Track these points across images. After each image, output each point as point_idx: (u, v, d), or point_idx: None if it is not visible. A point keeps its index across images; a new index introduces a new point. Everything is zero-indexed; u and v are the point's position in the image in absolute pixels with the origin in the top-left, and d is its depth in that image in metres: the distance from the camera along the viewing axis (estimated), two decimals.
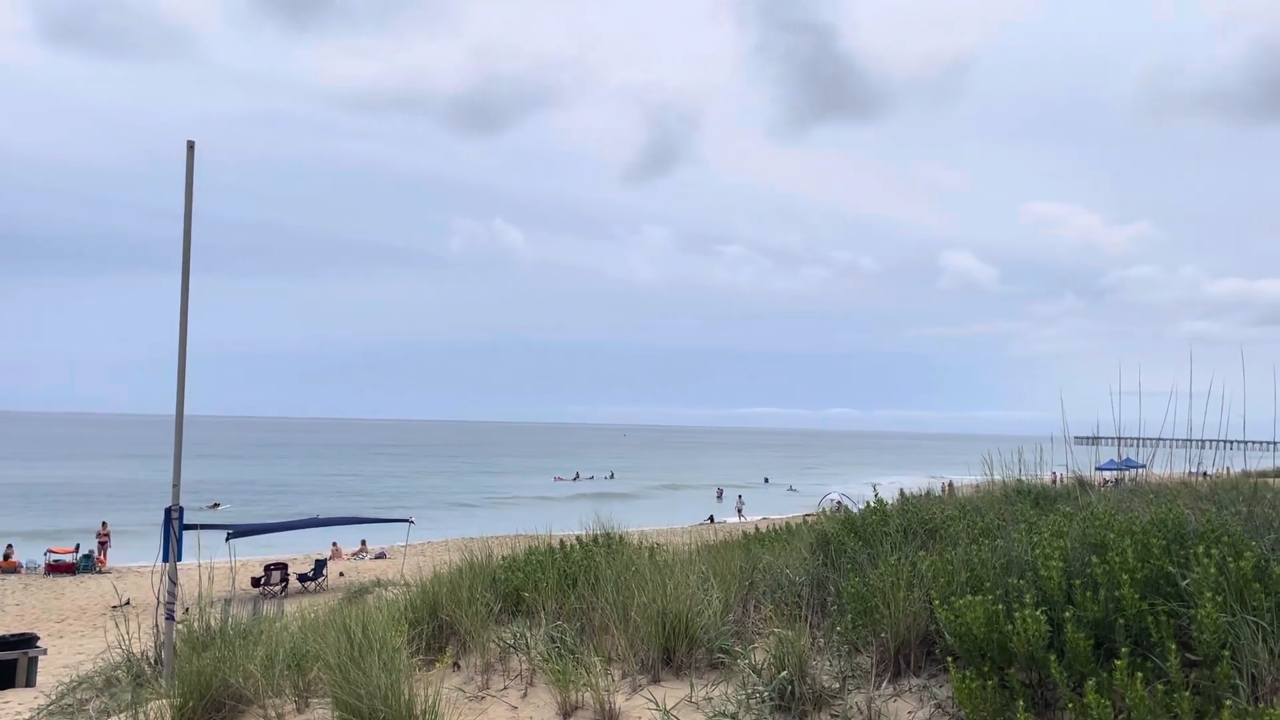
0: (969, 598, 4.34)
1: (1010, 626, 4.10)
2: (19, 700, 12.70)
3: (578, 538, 9.76)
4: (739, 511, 59.67)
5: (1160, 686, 3.61)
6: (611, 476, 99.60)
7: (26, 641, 17.09)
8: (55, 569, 35.64)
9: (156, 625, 8.23)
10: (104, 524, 40.17)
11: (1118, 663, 3.65)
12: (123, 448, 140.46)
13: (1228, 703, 3.44)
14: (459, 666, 6.55)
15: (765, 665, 5.11)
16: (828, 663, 5.19)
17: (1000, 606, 4.23)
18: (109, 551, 38.35)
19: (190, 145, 8.15)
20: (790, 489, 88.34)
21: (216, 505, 59.99)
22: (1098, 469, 12.95)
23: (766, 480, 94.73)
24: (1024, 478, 9.16)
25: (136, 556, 37.78)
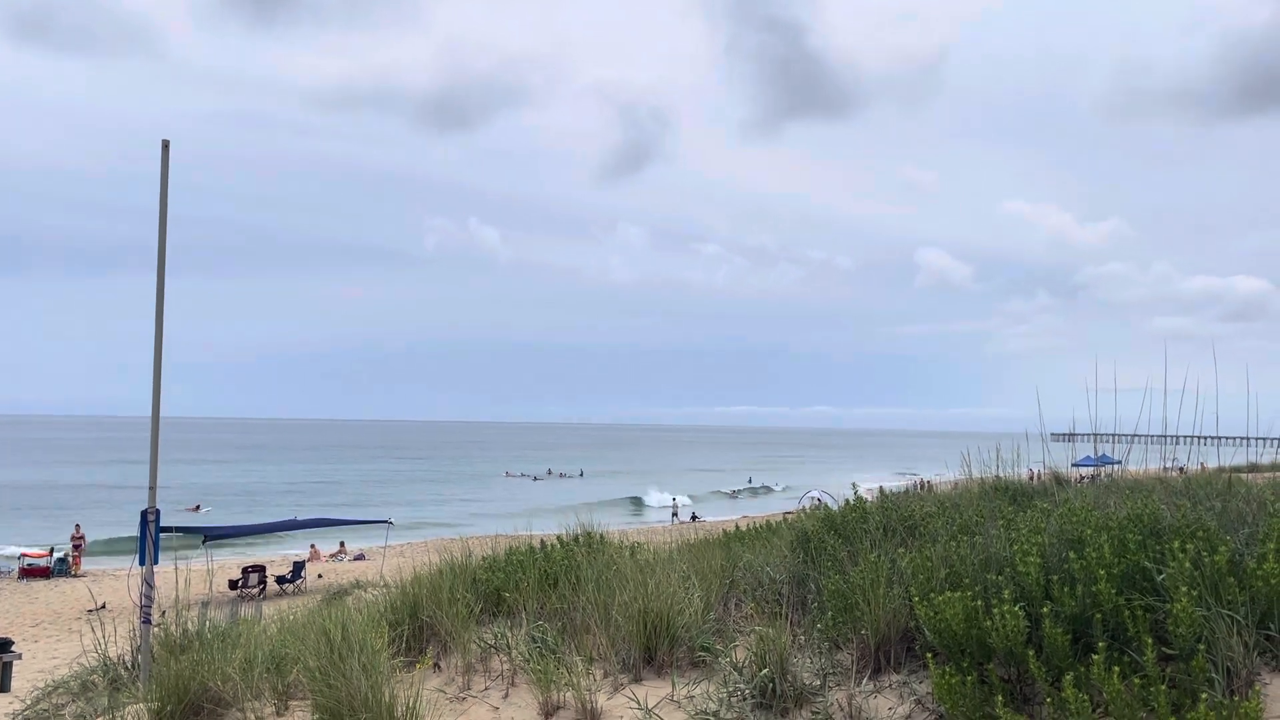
0: (948, 594, 4.37)
1: (989, 622, 4.13)
2: None
3: (558, 537, 9.74)
4: (674, 515, 57.36)
5: (1137, 680, 3.65)
6: (581, 475, 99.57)
7: (0, 646, 16.83)
8: (29, 572, 35.17)
9: (133, 629, 8.16)
10: (78, 527, 39.74)
11: (1095, 657, 3.69)
12: (98, 451, 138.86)
13: (1203, 696, 3.48)
14: (440, 667, 6.53)
15: (746, 663, 5.12)
16: (808, 660, 5.21)
17: (979, 602, 4.27)
18: (83, 555, 37.94)
19: (165, 144, 8.06)
20: (754, 484, 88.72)
21: (198, 508, 59.53)
22: (1074, 465, 13.04)
23: (750, 480, 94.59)
24: (1001, 474, 9.23)
25: (112, 560, 37.40)
